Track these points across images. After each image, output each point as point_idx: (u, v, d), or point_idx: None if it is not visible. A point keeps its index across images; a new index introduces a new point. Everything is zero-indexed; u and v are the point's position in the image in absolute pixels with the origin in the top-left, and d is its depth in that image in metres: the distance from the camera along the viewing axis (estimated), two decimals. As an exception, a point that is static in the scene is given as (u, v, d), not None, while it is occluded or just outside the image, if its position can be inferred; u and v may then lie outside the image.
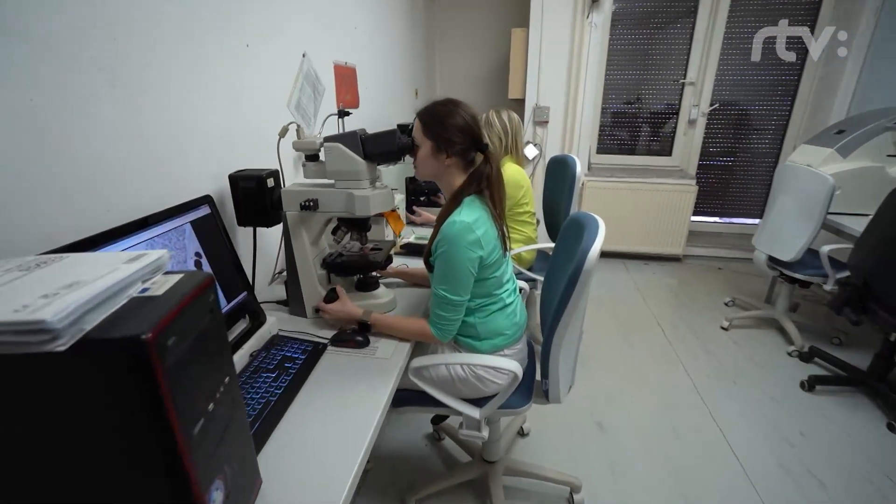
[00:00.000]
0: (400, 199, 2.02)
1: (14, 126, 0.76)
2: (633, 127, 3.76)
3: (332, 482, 0.75)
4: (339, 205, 1.19)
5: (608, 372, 2.25)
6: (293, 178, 1.62)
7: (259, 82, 1.45)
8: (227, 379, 0.64)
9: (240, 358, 1.05)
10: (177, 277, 0.57)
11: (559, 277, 1.16)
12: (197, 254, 1.02)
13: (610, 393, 2.10)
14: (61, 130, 0.84)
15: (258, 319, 1.19)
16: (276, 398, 0.94)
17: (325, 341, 1.16)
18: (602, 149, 3.86)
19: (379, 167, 1.21)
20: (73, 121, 0.86)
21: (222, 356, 0.64)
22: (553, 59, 3.27)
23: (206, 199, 1.08)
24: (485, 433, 1.20)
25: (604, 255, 3.71)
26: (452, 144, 1.09)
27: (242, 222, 1.28)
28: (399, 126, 1.28)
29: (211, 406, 0.57)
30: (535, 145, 3.48)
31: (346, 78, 2.17)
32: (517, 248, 2.04)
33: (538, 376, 1.30)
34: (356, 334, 1.16)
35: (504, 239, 1.14)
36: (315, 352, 1.11)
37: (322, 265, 1.29)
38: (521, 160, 2.07)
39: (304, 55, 1.74)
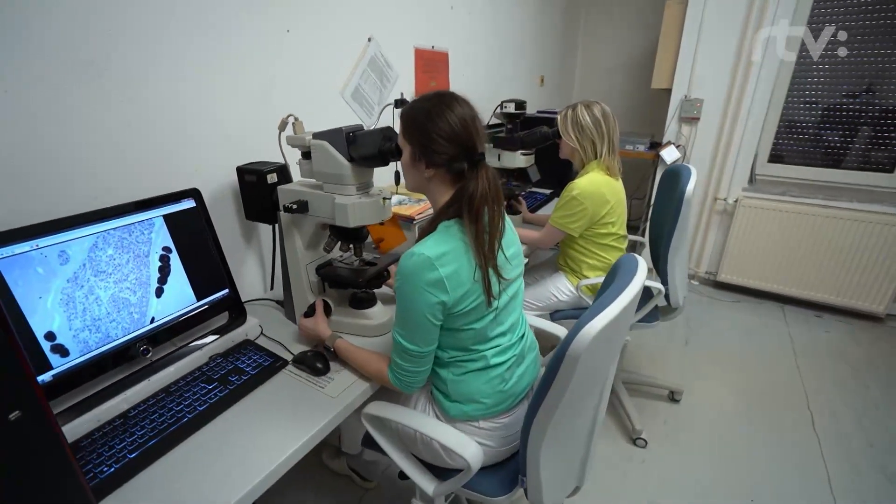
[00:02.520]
0: (409, 205, 1.59)
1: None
2: (846, 128, 2.58)
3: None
4: (325, 210, 1.06)
5: (708, 459, 1.70)
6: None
7: (299, 69, 1.39)
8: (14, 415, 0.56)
9: (196, 358, 1.02)
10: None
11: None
12: (166, 248, 1.00)
13: (701, 489, 1.57)
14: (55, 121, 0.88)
15: (238, 319, 1.15)
16: (192, 416, 0.87)
17: (289, 358, 1.05)
18: (779, 156, 2.91)
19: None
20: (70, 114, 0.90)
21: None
22: (716, 38, 2.55)
23: (192, 193, 1.06)
24: (440, 515, 0.96)
25: (755, 293, 2.84)
26: (432, 153, 0.84)
27: (248, 216, 1.25)
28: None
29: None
30: (676, 147, 2.82)
31: (431, 63, 2.01)
32: (591, 279, 1.65)
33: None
34: (317, 359, 1.02)
35: (489, 284, 0.85)
36: (269, 369, 1.01)
37: (316, 272, 1.19)
38: (615, 169, 1.64)
39: (369, 39, 1.64)
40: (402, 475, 1.60)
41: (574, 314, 1.71)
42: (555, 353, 0.72)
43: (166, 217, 1.00)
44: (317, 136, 1.03)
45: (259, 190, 1.18)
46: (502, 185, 1.88)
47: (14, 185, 0.86)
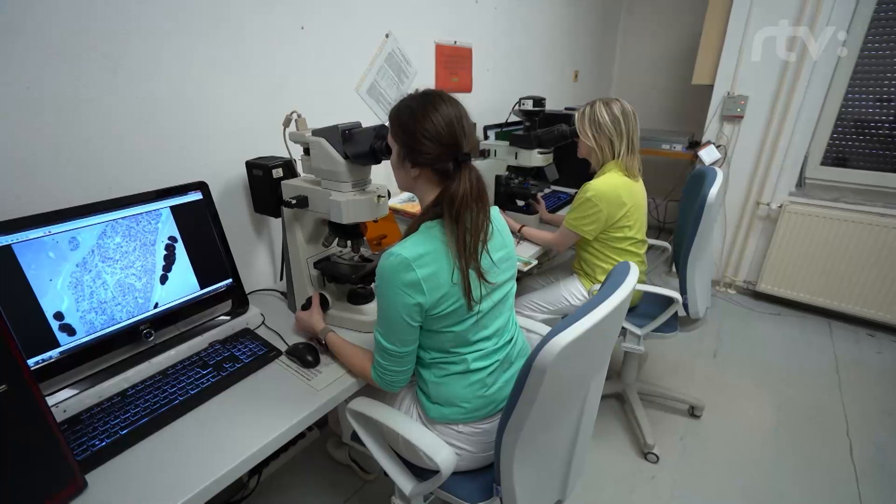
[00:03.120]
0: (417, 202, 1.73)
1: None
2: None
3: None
4: (323, 206, 1.08)
5: (726, 481, 1.60)
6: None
7: (314, 66, 1.41)
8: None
9: (196, 343, 1.07)
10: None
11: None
12: (171, 238, 1.05)
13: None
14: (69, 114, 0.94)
15: (241, 308, 1.19)
16: (183, 398, 0.91)
17: (283, 349, 1.09)
18: (837, 158, 2.67)
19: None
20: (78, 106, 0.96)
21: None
22: (765, 30, 2.37)
23: (200, 185, 1.10)
24: (415, 516, 0.96)
25: (799, 306, 2.66)
26: (416, 153, 0.83)
27: (257, 209, 1.30)
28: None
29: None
30: (716, 147, 2.65)
31: (453, 59, 1.99)
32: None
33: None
34: (308, 351, 1.05)
35: (469, 287, 0.83)
36: (263, 358, 1.05)
37: (314, 266, 1.21)
38: (635, 170, 1.56)
39: (387, 35, 1.64)
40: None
41: (586, 319, 1.65)
42: (524, 363, 0.70)
43: (173, 208, 1.05)
44: (315, 132, 1.05)
45: (265, 184, 1.22)
46: (519, 183, 1.87)
47: (31, 175, 0.93)
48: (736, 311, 2.69)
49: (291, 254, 1.20)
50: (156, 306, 1.03)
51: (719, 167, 2.63)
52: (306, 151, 1.12)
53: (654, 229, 3.41)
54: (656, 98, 3.49)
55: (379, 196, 1.05)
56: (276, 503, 1.48)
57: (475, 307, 0.86)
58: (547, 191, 2.38)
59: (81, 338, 0.92)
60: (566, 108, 2.51)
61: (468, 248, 0.83)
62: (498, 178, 1.89)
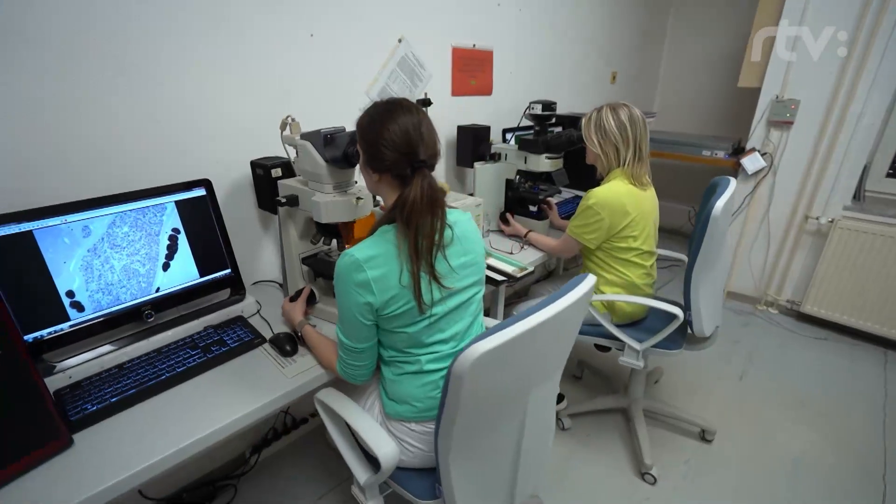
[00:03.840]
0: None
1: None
2: None
3: (129, 464, 0.80)
4: (310, 205, 1.14)
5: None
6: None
7: (323, 71, 1.49)
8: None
9: (192, 326, 1.17)
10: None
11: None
12: (175, 229, 1.16)
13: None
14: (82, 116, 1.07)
15: (237, 296, 1.29)
16: (170, 375, 1.01)
17: (268, 337, 1.17)
18: (906, 170, 2.39)
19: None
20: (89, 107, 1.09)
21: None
22: (823, 28, 2.16)
23: (203, 182, 1.21)
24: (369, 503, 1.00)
25: (849, 331, 2.46)
26: (377, 159, 0.87)
27: (260, 205, 1.39)
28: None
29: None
30: (762, 155, 2.46)
31: (471, 62, 2.00)
32: (606, 295, 1.54)
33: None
34: (288, 341, 1.12)
35: (419, 290, 0.86)
36: (248, 344, 1.13)
37: (302, 261, 1.28)
38: (642, 178, 1.50)
39: (399, 40, 1.69)
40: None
41: (587, 329, 1.61)
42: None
43: (178, 203, 1.16)
44: (303, 136, 1.11)
45: (266, 182, 1.31)
46: (528, 188, 1.85)
47: (50, 170, 1.05)
48: (776, 332, 2.48)
49: (285, 249, 1.29)
50: (157, 290, 1.14)
51: (763, 177, 2.45)
52: (297, 154, 1.19)
53: (694, 240, 3.22)
54: (703, 101, 3.29)
55: (358, 198, 1.10)
56: (271, 483, 1.58)
57: (427, 310, 0.89)
58: (567, 196, 2.34)
59: (89, 314, 1.04)
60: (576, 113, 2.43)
61: (420, 252, 0.85)
62: (508, 181, 1.89)
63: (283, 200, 1.17)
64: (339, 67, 1.53)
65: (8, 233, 0.93)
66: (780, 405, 1.95)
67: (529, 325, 0.70)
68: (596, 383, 2.12)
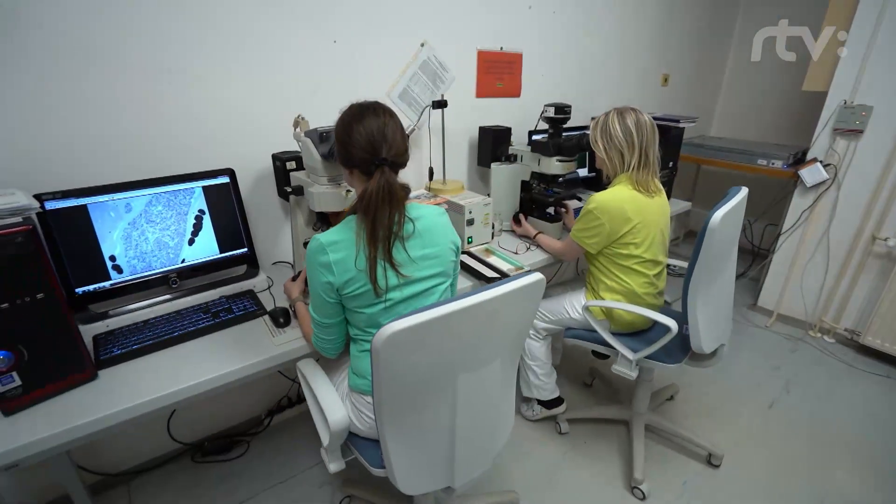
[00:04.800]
0: (422, 200, 1.78)
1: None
2: None
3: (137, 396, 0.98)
4: (308, 195, 1.28)
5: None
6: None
7: (345, 74, 1.62)
8: (40, 295, 0.92)
9: (209, 294, 1.36)
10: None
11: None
12: (200, 210, 1.36)
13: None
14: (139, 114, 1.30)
15: (251, 272, 1.47)
16: (181, 332, 1.20)
17: (267, 310, 1.32)
18: None
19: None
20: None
21: (38, 276, 0.91)
22: (902, 26, 1.92)
23: (227, 171, 1.39)
24: (332, 466, 1.10)
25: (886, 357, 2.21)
26: (347, 156, 0.97)
27: (279, 194, 1.56)
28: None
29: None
30: (824, 166, 2.23)
31: (498, 65, 2.05)
32: (603, 301, 1.52)
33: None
34: (282, 314, 1.26)
35: (374, 275, 0.94)
36: (250, 314, 1.29)
37: (303, 245, 1.43)
38: (648, 184, 1.45)
39: (422, 44, 1.78)
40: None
41: (584, 335, 1.61)
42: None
43: (205, 188, 1.35)
44: (306, 133, 1.24)
45: (281, 173, 1.47)
46: (541, 190, 1.86)
47: (103, 158, 1.28)
48: (828, 362, 2.24)
49: (294, 234, 1.44)
50: (183, 261, 1.35)
51: (825, 190, 2.23)
52: (301, 149, 1.34)
53: (749, 253, 2.98)
54: (767, 106, 3.03)
55: (348, 190, 1.21)
56: (278, 444, 1.76)
57: (383, 294, 0.97)
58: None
59: (126, 276, 1.26)
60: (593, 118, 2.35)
61: (377, 239, 0.94)
62: (524, 183, 1.91)
63: (290, 190, 1.31)
64: (361, 70, 1.66)
65: (69, 205, 1.16)
66: (813, 442, 1.78)
67: (444, 311, 0.76)
68: (605, 392, 2.07)
